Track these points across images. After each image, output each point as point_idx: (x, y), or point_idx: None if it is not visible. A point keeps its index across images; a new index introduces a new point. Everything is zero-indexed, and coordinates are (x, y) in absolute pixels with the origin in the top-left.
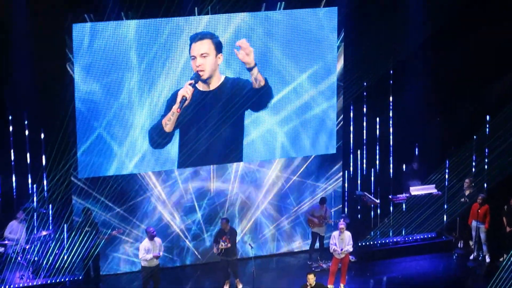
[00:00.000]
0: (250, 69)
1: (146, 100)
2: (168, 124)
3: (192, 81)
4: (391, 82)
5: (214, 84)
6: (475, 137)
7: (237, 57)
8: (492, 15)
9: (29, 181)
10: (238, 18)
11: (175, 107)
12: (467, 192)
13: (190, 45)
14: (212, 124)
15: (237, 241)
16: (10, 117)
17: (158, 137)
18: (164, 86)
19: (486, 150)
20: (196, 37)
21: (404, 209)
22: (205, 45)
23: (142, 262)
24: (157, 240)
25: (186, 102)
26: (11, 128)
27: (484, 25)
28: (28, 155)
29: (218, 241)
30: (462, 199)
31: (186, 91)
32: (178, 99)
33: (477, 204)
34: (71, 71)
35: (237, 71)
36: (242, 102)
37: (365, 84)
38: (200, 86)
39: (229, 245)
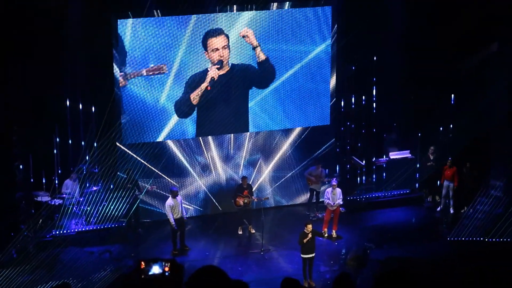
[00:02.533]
0: (254, 49)
1: (172, 82)
2: (196, 98)
3: (218, 66)
4: (375, 66)
5: (225, 69)
6: (441, 112)
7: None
8: (458, 8)
9: (82, 145)
10: (250, 15)
11: (204, 85)
12: (431, 157)
13: (207, 39)
14: (224, 101)
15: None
16: (66, 94)
17: (186, 108)
18: (184, 71)
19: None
20: (213, 33)
21: (384, 170)
22: (224, 39)
23: (169, 219)
24: (179, 198)
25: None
26: (67, 103)
27: (449, 19)
28: (81, 124)
29: (240, 196)
30: (429, 163)
31: (215, 73)
32: (208, 79)
33: (447, 166)
34: (117, 57)
35: (243, 59)
36: (248, 81)
37: (353, 68)
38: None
39: (253, 197)
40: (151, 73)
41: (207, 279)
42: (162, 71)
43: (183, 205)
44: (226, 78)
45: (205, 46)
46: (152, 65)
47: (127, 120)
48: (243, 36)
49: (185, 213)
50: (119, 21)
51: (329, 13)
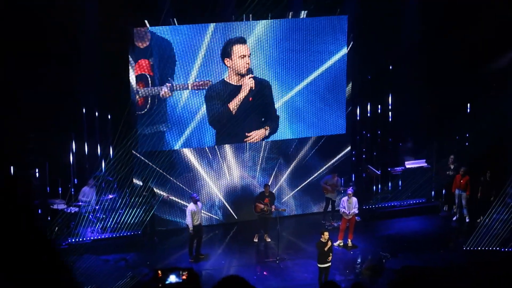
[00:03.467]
0: None
1: (190, 91)
2: (235, 108)
3: (252, 75)
4: (390, 75)
5: (242, 79)
6: (457, 121)
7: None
8: (472, 17)
9: (99, 154)
10: (266, 24)
11: (243, 95)
12: (451, 166)
13: (232, 45)
14: (244, 110)
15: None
16: (83, 101)
17: (225, 120)
18: (202, 79)
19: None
20: (240, 40)
21: (400, 179)
22: (248, 48)
23: (188, 224)
24: (199, 204)
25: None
26: (84, 110)
27: (464, 28)
28: (97, 132)
29: (260, 202)
30: (448, 172)
31: (252, 83)
32: (247, 89)
33: (460, 175)
34: (133, 65)
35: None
36: (264, 97)
37: (369, 77)
38: (233, 81)
39: (273, 207)
40: (195, 87)
41: None
42: (206, 87)
43: (202, 213)
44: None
45: (228, 53)
46: (198, 80)
47: (143, 127)
48: None
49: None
50: (135, 30)
51: (344, 22)
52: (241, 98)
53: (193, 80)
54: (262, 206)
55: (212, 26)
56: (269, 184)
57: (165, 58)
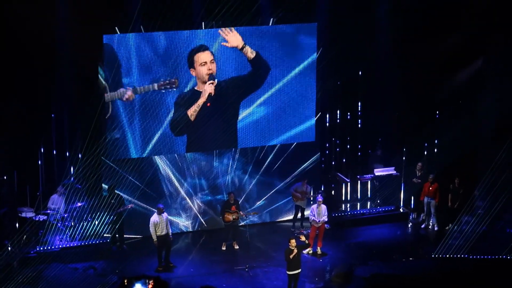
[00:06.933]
0: (242, 49)
1: (159, 98)
2: (194, 114)
3: (213, 81)
4: (360, 81)
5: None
6: (426, 128)
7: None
8: (442, 26)
9: (67, 161)
10: (236, 31)
11: (202, 101)
12: (419, 174)
13: (194, 55)
14: (212, 117)
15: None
16: (52, 107)
17: (183, 126)
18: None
19: (436, 139)
20: (200, 48)
21: (369, 187)
22: (209, 54)
23: (152, 235)
24: (164, 215)
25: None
26: (53, 116)
27: (433, 37)
28: (67, 140)
29: (228, 212)
30: (414, 179)
31: (211, 89)
32: (206, 95)
33: (428, 183)
34: (102, 73)
35: (228, 73)
36: (237, 96)
37: (338, 83)
38: (200, 88)
39: (241, 213)
40: (162, 87)
41: None
42: (173, 86)
43: (169, 222)
44: (215, 95)
45: (191, 62)
46: (163, 80)
47: (112, 135)
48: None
49: (170, 231)
50: (104, 37)
51: (314, 29)
52: (200, 104)
53: (159, 81)
54: (231, 217)
55: (180, 33)
56: (234, 192)
57: (120, 64)
